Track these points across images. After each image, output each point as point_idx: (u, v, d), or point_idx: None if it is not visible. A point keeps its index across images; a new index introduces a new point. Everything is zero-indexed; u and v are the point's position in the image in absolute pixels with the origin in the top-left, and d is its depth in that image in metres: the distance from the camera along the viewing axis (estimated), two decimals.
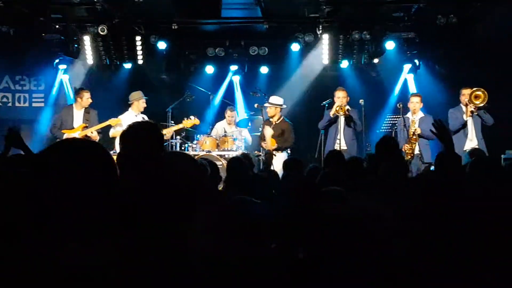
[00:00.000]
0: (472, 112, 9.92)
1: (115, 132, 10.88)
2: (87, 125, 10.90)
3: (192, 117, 11.42)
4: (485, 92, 9.77)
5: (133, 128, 3.64)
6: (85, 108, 11.03)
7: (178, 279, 1.93)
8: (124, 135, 3.60)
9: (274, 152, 10.57)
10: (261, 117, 11.56)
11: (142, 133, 3.56)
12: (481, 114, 9.95)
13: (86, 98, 10.99)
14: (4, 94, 13.52)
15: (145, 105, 11.28)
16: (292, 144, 11.24)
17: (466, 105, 10.00)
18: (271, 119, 11.26)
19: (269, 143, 10.81)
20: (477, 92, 9.83)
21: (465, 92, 10.07)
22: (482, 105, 9.83)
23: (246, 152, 10.60)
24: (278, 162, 9.75)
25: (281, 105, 11.32)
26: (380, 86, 13.18)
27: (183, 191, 2.34)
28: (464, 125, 10.07)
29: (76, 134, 10.74)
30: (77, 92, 11.18)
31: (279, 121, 11.24)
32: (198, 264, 2.10)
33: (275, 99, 11.37)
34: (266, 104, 11.32)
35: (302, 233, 3.76)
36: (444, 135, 4.58)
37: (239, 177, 5.72)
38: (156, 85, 13.17)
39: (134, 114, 11.13)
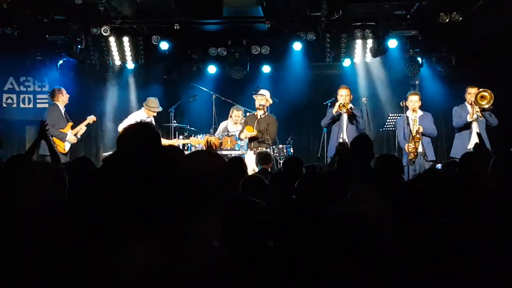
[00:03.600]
0: (477, 114, 9.86)
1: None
2: (72, 123, 11.27)
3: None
4: (491, 94, 9.67)
5: (129, 129, 3.64)
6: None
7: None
8: (120, 137, 3.61)
9: (246, 151, 11.00)
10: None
11: (137, 133, 3.53)
12: (486, 116, 9.86)
13: (65, 93, 11.32)
14: (8, 95, 13.50)
15: (155, 114, 11.53)
16: (274, 139, 11.18)
17: (471, 103, 9.94)
18: (256, 113, 11.30)
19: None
20: (483, 93, 9.73)
21: (471, 91, 10.01)
22: (487, 106, 9.75)
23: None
24: (249, 161, 9.91)
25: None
26: (383, 85, 13.15)
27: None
28: (468, 125, 10.03)
29: (69, 132, 11.10)
30: (53, 93, 11.39)
31: (264, 115, 11.22)
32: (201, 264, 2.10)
33: (266, 92, 11.43)
34: (261, 93, 11.34)
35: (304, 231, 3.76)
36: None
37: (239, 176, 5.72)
38: (158, 85, 13.20)
39: (145, 116, 11.40)
